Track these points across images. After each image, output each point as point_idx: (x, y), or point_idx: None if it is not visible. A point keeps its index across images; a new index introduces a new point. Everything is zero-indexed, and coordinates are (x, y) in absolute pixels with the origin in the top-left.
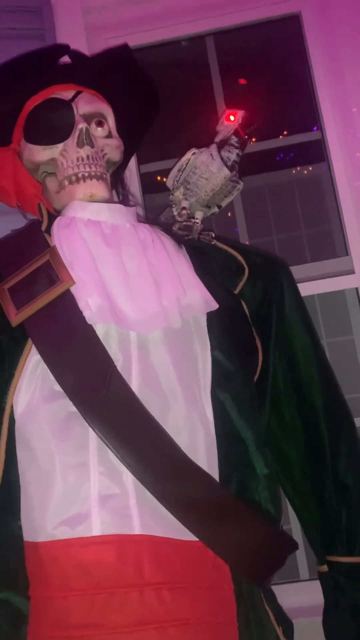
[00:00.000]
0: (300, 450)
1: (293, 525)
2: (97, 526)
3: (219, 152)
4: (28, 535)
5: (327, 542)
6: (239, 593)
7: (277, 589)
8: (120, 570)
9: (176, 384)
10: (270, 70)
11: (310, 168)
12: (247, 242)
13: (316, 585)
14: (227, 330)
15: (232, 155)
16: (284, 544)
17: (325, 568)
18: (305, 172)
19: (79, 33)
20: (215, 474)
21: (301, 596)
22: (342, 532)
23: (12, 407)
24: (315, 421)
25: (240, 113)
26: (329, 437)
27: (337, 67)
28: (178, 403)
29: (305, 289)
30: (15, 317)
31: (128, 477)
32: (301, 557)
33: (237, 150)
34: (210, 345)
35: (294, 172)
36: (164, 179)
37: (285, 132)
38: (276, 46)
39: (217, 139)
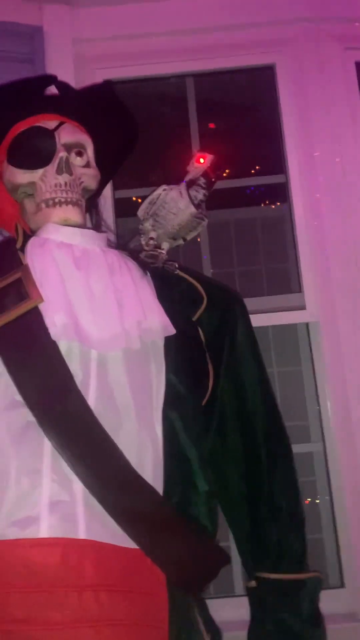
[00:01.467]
0: (240, 472)
1: (231, 543)
2: (45, 529)
3: (188, 191)
4: None
5: (257, 559)
6: (171, 600)
7: (214, 603)
8: (62, 571)
9: (130, 402)
10: (244, 113)
11: (273, 206)
12: (210, 272)
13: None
14: (182, 354)
15: (199, 194)
16: (217, 558)
17: (253, 584)
18: (270, 208)
19: (67, 62)
20: (159, 488)
21: (235, 610)
22: (271, 549)
23: None
24: (255, 447)
25: (210, 157)
26: (267, 462)
27: (305, 116)
28: (131, 420)
29: (260, 320)
30: None
31: (78, 486)
32: (237, 572)
33: (203, 191)
34: (166, 367)
35: (261, 207)
36: (139, 200)
37: (257, 167)
38: (251, 91)
39: (187, 178)
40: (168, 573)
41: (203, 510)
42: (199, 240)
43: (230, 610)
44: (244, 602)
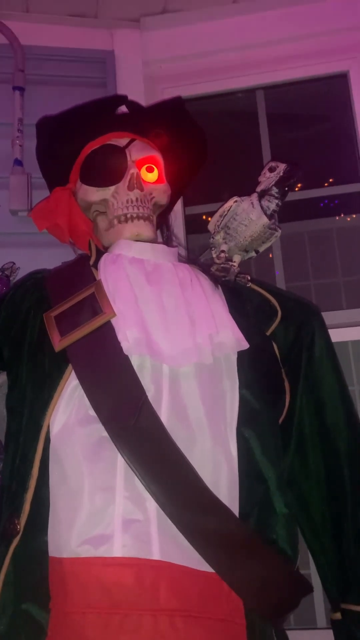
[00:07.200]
0: (322, 493)
1: (312, 571)
2: (118, 548)
3: (259, 201)
4: (53, 551)
5: (343, 590)
6: (250, 628)
7: (293, 634)
8: (137, 593)
9: (203, 418)
10: (316, 123)
11: (351, 218)
12: (284, 286)
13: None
14: (256, 369)
15: (272, 205)
16: (299, 585)
17: (338, 616)
18: (349, 219)
19: (138, 83)
20: (235, 509)
21: None
22: (358, 580)
23: (48, 427)
24: (338, 466)
25: (282, 166)
26: (351, 482)
27: None
28: (204, 437)
29: (339, 335)
30: (59, 343)
31: (151, 504)
32: (319, 603)
33: (276, 201)
34: (239, 383)
35: (337, 218)
36: (209, 218)
37: (330, 180)
38: (323, 101)
39: (259, 188)
40: (245, 599)
41: (282, 533)
42: (270, 256)
43: None
44: (326, 635)
